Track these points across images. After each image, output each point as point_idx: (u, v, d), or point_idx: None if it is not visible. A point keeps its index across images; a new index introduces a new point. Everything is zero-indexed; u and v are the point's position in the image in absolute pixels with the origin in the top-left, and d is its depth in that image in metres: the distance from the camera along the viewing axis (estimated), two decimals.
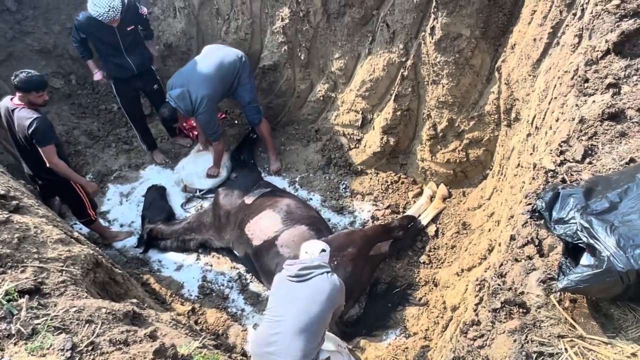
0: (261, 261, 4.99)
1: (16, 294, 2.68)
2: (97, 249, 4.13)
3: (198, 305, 5.04)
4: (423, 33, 4.93)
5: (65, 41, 6.78)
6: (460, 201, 5.52)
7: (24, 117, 4.51)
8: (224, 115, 6.78)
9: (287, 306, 3.55)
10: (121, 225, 5.89)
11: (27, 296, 2.68)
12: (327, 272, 3.71)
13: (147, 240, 5.61)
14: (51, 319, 2.63)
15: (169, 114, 5.48)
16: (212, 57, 5.53)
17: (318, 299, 3.55)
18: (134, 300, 3.29)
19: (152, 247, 5.65)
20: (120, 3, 5.19)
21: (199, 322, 4.90)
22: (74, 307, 2.76)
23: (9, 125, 4.69)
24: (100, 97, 6.91)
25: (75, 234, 3.98)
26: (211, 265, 5.48)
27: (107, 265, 3.70)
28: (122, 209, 6.03)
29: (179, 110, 5.42)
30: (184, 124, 6.56)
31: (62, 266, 3.10)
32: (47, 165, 4.67)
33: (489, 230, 4.50)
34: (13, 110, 4.58)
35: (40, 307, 2.70)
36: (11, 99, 4.63)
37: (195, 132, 6.56)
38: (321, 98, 6.16)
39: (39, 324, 2.57)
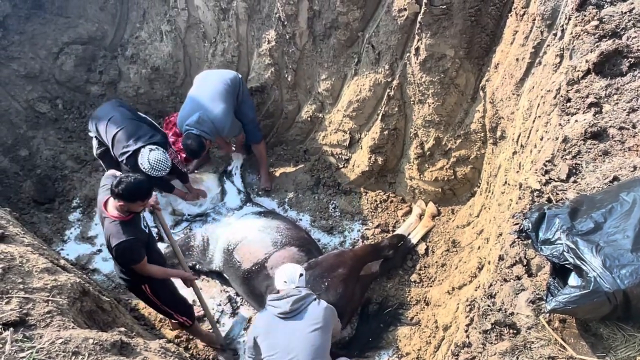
0: (251, 284, 4.95)
1: (0, 326, 2.63)
2: (84, 276, 4.08)
3: None
4: (408, 54, 4.99)
5: (51, 66, 6.78)
6: (450, 219, 5.54)
7: (112, 234, 3.86)
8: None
9: (292, 344, 3.52)
10: None
11: (11, 329, 2.64)
12: (315, 299, 3.72)
13: None
14: (37, 352, 2.58)
15: (196, 144, 5.19)
16: (210, 79, 5.44)
17: (318, 328, 3.56)
18: (122, 329, 3.24)
19: None
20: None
21: (189, 347, 4.83)
22: (60, 338, 2.71)
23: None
24: (87, 121, 6.89)
25: (62, 262, 3.93)
26: (201, 289, 5.42)
27: (94, 293, 3.65)
28: None
29: (204, 135, 5.21)
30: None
31: (48, 296, 3.05)
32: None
33: (479, 247, 4.51)
34: (104, 218, 3.97)
35: (25, 339, 2.65)
36: (105, 203, 3.95)
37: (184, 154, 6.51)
38: (309, 119, 6.19)
39: (24, 357, 2.52)
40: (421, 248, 5.41)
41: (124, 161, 5.13)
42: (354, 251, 5.16)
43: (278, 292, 3.89)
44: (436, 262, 5.25)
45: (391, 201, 5.92)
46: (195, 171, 6.25)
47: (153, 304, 4.36)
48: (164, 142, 5.23)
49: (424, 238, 5.48)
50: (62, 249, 5.74)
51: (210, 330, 4.92)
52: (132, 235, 3.85)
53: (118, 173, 4.28)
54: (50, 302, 3.00)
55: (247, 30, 5.97)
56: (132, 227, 3.90)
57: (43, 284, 3.12)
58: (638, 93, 2.99)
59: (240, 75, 5.61)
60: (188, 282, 4.54)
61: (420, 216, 5.62)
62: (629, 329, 2.20)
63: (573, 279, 2.21)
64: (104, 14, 6.91)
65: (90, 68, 6.91)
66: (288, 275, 3.84)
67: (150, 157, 4.93)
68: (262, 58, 5.97)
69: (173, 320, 4.61)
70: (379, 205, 5.90)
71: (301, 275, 3.87)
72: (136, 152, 5.01)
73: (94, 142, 5.61)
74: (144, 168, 4.94)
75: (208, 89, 5.36)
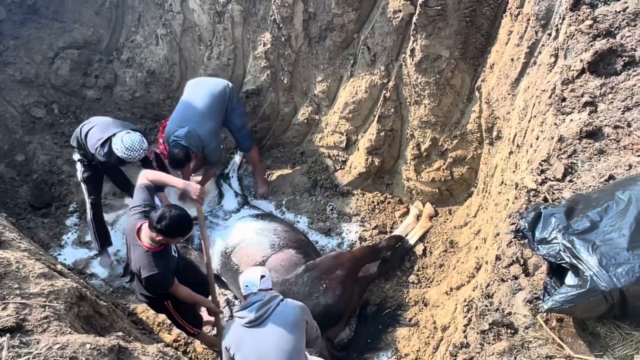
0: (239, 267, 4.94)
1: None
2: (81, 281, 4.07)
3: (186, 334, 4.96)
4: (403, 55, 5.00)
5: (47, 70, 6.77)
6: (447, 219, 5.54)
7: (143, 265, 3.77)
8: None
9: (263, 353, 3.45)
10: None
11: (8, 335, 2.63)
12: (281, 300, 3.63)
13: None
14: (34, 357, 2.57)
15: (183, 154, 5.23)
16: (201, 91, 5.45)
17: (288, 331, 3.49)
18: (120, 334, 3.24)
19: None
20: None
21: (187, 351, 4.82)
22: (57, 343, 2.70)
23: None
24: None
25: (59, 267, 3.93)
26: None
27: (91, 298, 3.64)
28: None
29: (191, 148, 5.27)
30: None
31: (44, 301, 3.04)
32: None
33: (476, 248, 4.51)
34: (135, 245, 3.83)
35: (22, 345, 2.64)
36: (137, 231, 3.82)
37: None
38: (305, 121, 6.19)
39: None
40: (419, 249, 5.41)
41: (98, 150, 4.91)
42: (352, 253, 5.16)
43: (245, 298, 3.77)
44: (434, 262, 5.24)
45: (388, 202, 5.92)
46: (192, 174, 6.24)
47: (172, 317, 4.35)
48: (143, 133, 5.11)
49: (421, 239, 5.48)
50: (59, 254, 5.73)
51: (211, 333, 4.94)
52: (163, 268, 3.79)
53: (147, 180, 4.13)
54: (47, 307, 2.99)
55: (243, 33, 5.98)
56: (163, 258, 3.83)
57: (40, 289, 3.11)
58: (633, 92, 3.00)
59: (231, 85, 5.61)
60: (212, 313, 4.45)
61: (418, 217, 5.62)
62: (626, 327, 2.20)
63: (570, 278, 2.21)
64: (99, 18, 6.91)
65: (86, 72, 6.91)
66: (248, 280, 3.71)
67: (125, 138, 4.78)
68: (258, 61, 5.97)
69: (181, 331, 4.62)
70: (376, 207, 5.90)
71: (262, 277, 3.71)
72: (111, 138, 4.87)
73: (78, 166, 5.38)
74: (116, 149, 4.77)
75: (198, 102, 5.38)
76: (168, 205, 3.79)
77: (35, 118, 6.70)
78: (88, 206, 5.47)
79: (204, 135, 5.31)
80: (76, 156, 5.35)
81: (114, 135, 4.87)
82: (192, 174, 6.23)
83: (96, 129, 5.03)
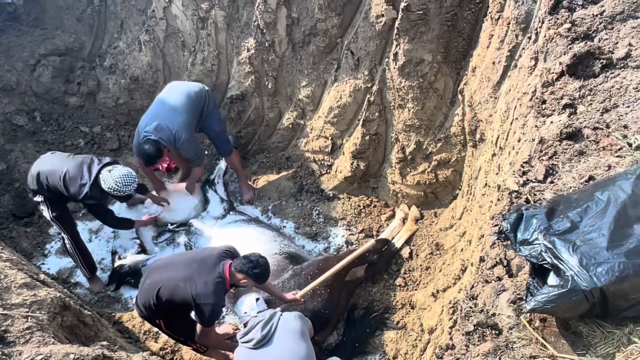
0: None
1: None
2: (65, 290, 4.02)
3: (173, 342, 4.91)
4: (387, 59, 5.03)
5: (28, 78, 6.70)
6: (433, 222, 5.57)
7: (214, 292, 3.81)
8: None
9: None
10: None
11: None
12: (280, 315, 3.73)
13: (118, 277, 5.48)
14: None
15: (154, 148, 5.10)
16: (177, 90, 5.41)
17: (297, 340, 3.56)
18: (104, 343, 3.20)
19: (124, 284, 5.52)
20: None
21: (174, 359, 4.78)
22: (40, 354, 2.67)
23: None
24: (65, 133, 6.81)
25: (42, 276, 3.87)
26: None
27: (75, 308, 3.59)
28: (91, 246, 5.87)
29: (161, 142, 5.13)
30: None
31: (27, 312, 3.01)
32: (196, 338, 4.24)
33: (462, 250, 4.54)
34: (215, 274, 3.89)
35: (4, 356, 2.61)
36: (228, 269, 3.92)
37: (164, 164, 6.49)
38: (290, 126, 6.20)
39: None
40: (405, 252, 5.43)
41: (88, 194, 4.73)
42: (339, 257, 5.16)
43: (245, 325, 3.84)
44: (420, 265, 5.27)
45: (374, 206, 5.94)
46: (172, 181, 6.22)
47: (167, 334, 4.43)
48: (115, 161, 5.02)
49: (407, 242, 5.50)
50: (42, 263, 5.66)
51: None
52: (223, 304, 4.06)
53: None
54: (29, 317, 2.95)
55: (226, 39, 5.97)
56: (224, 296, 4.03)
57: (22, 299, 3.07)
58: (611, 93, 3.05)
59: (207, 88, 5.56)
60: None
61: (404, 220, 5.64)
62: (608, 325, 2.23)
63: (552, 279, 2.23)
64: (81, 25, 6.86)
65: (68, 79, 6.85)
66: (247, 306, 3.88)
67: (114, 176, 4.68)
68: (242, 66, 5.97)
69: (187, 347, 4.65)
70: (362, 210, 5.92)
71: (257, 299, 3.92)
72: (96, 181, 4.73)
73: (43, 207, 5.05)
74: (112, 190, 4.69)
75: (171, 100, 5.31)
76: (255, 254, 3.99)
77: (17, 126, 6.62)
78: (67, 241, 5.24)
79: (174, 127, 5.15)
80: (39, 198, 5.02)
81: (96, 176, 4.73)
82: (174, 180, 6.21)
83: (72, 172, 4.77)
